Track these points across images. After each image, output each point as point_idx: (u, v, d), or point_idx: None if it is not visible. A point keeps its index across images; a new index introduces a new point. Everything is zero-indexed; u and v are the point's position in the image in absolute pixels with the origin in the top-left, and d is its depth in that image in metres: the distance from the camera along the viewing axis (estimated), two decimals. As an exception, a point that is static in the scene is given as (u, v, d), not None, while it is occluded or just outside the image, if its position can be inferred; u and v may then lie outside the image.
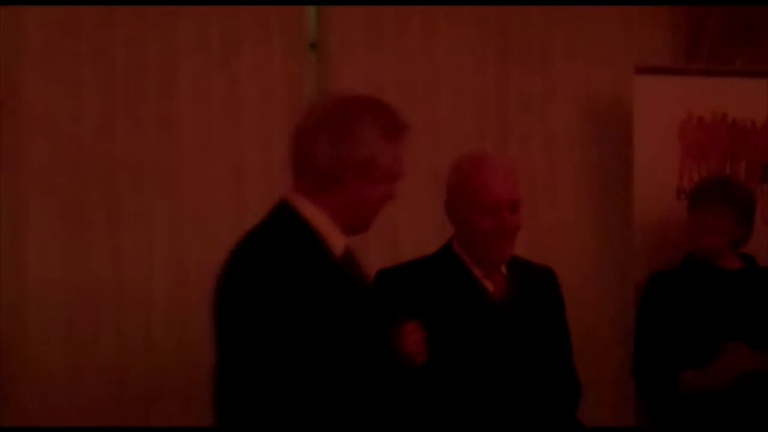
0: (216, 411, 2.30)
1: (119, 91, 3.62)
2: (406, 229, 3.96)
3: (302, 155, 2.43)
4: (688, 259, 3.77)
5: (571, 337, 3.23)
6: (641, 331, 3.77)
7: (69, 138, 3.56)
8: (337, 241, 2.43)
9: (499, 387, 2.95)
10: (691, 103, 4.18)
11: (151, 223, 3.63)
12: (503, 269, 3.12)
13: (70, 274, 3.54)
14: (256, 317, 2.26)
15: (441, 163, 3.97)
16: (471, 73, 4.16)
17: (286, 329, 2.24)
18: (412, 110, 3.97)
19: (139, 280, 3.60)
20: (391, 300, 2.41)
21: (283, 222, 2.41)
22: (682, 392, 3.54)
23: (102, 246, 3.58)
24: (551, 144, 4.26)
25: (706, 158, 4.21)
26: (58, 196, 3.53)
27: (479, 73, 4.17)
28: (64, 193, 3.54)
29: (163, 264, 3.66)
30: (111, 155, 3.60)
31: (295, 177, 2.44)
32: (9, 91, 3.44)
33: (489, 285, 3.08)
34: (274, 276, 2.28)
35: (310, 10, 3.97)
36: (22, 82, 3.50)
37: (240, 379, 2.26)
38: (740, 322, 3.57)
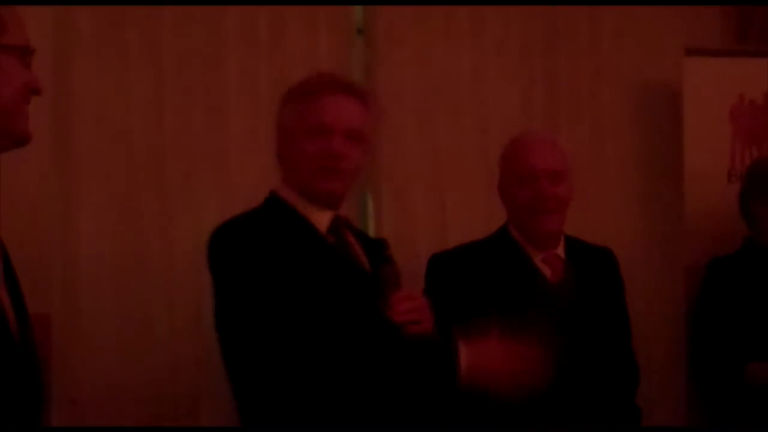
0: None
1: (167, 80, 3.62)
2: (454, 213, 3.94)
3: None
4: (749, 245, 3.70)
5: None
6: (703, 321, 3.67)
7: (118, 126, 3.57)
8: (319, 216, 2.55)
9: (556, 373, 2.93)
10: (743, 85, 4.14)
11: (200, 209, 3.64)
12: (561, 252, 3.09)
13: (121, 257, 3.56)
14: (238, 289, 2.38)
15: (489, 148, 3.98)
16: (518, 58, 4.11)
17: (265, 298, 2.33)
18: (459, 96, 4.02)
19: (188, 262, 3.62)
20: (377, 270, 2.38)
21: (265, 205, 2.60)
22: (750, 385, 3.45)
23: (152, 230, 3.60)
24: (600, 127, 4.20)
25: (758, 141, 4.16)
26: (107, 183, 3.54)
27: (526, 57, 4.12)
28: (114, 180, 3.56)
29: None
30: (160, 143, 3.61)
31: None
32: (59, 80, 3.46)
33: (546, 270, 3.05)
34: (254, 248, 2.39)
35: (358, -3, 3.96)
36: (71, 71, 3.53)
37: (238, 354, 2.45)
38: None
